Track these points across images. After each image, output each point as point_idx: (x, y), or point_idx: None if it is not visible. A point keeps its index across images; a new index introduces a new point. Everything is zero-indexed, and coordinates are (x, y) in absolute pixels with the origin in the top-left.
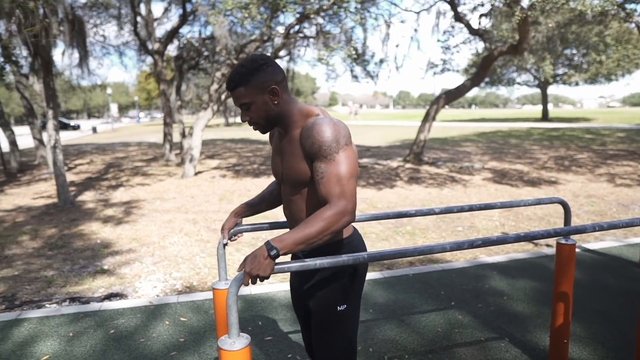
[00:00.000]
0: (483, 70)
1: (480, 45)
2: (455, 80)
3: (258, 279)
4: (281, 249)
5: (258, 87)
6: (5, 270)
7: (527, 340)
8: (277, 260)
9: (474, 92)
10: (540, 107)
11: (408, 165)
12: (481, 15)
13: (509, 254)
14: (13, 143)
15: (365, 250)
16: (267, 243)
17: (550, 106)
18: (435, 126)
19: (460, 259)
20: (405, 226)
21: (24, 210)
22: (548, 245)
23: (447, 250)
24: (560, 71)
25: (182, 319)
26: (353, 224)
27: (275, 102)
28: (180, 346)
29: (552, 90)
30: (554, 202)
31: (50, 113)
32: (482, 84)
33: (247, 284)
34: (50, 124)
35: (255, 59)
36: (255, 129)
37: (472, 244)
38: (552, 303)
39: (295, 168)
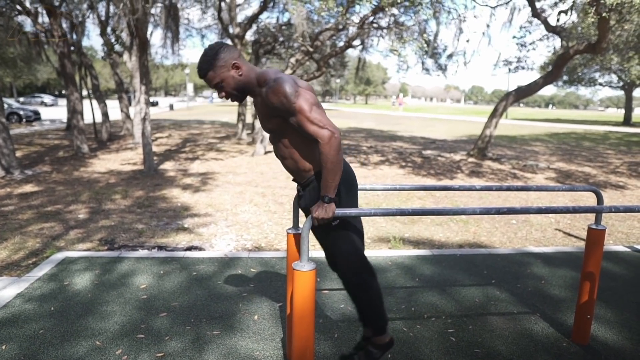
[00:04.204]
0: (557, 69)
1: (557, 43)
2: (533, 78)
3: (323, 221)
4: (329, 194)
5: (222, 67)
6: (104, 220)
7: (557, 317)
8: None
9: (552, 91)
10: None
11: (471, 160)
12: (560, 12)
13: (557, 246)
14: (105, 114)
15: (347, 168)
16: (320, 196)
17: (637, 111)
18: (506, 123)
19: (508, 247)
20: (461, 215)
21: (114, 173)
22: None
23: (477, 213)
24: None
25: (252, 269)
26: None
27: (240, 74)
28: (250, 289)
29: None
30: (587, 190)
31: (142, 88)
32: (560, 83)
33: (316, 224)
34: (142, 98)
35: (212, 46)
36: (233, 101)
37: (498, 211)
38: (579, 282)
39: (267, 123)
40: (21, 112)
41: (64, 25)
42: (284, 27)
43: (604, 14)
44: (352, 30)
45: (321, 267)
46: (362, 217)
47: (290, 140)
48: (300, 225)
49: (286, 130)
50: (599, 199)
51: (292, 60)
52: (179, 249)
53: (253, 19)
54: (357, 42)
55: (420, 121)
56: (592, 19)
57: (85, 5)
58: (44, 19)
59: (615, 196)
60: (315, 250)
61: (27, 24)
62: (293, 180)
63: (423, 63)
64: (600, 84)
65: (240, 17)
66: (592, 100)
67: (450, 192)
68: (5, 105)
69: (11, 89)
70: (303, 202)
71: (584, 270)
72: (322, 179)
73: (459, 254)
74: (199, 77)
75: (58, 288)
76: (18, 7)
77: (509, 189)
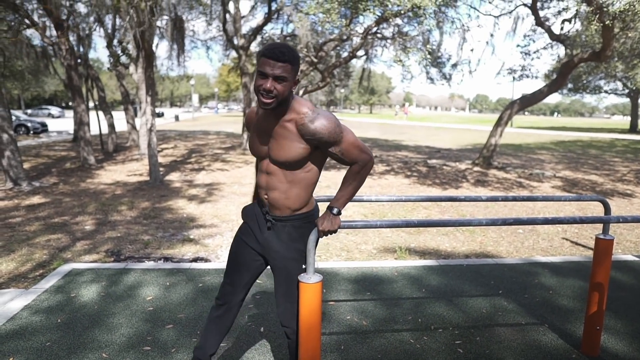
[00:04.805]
0: (561, 77)
1: (561, 51)
2: (537, 86)
3: (329, 233)
4: (339, 207)
5: (295, 73)
6: (110, 232)
7: (565, 328)
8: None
9: (557, 99)
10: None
11: (476, 169)
12: (564, 21)
13: (565, 256)
14: (111, 126)
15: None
16: (329, 207)
17: None
18: (512, 132)
19: (515, 256)
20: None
21: (120, 184)
22: None
23: (484, 224)
24: None
25: (257, 281)
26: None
27: (293, 89)
28: (256, 301)
29: None
30: (594, 200)
31: (148, 100)
32: (565, 91)
33: (321, 237)
34: (148, 110)
35: (297, 52)
36: (266, 101)
37: (505, 222)
38: (588, 293)
39: (287, 151)
40: (29, 124)
41: (71, 38)
42: (288, 38)
43: (607, 22)
44: (356, 40)
45: (327, 278)
46: (366, 228)
47: (297, 176)
48: None
49: (302, 164)
50: (607, 209)
51: None
52: (185, 260)
53: (258, 30)
54: (361, 53)
55: (425, 130)
56: (596, 27)
57: (92, 18)
58: (51, 32)
59: (622, 204)
60: (321, 261)
61: (36, 37)
62: (262, 208)
63: (427, 72)
64: (606, 92)
65: (245, 28)
66: (597, 107)
67: (456, 202)
68: (13, 117)
69: (19, 101)
70: (271, 237)
71: (593, 280)
72: (339, 192)
73: (466, 264)
74: (272, 56)
75: (65, 300)
76: (26, 20)
77: (515, 199)
